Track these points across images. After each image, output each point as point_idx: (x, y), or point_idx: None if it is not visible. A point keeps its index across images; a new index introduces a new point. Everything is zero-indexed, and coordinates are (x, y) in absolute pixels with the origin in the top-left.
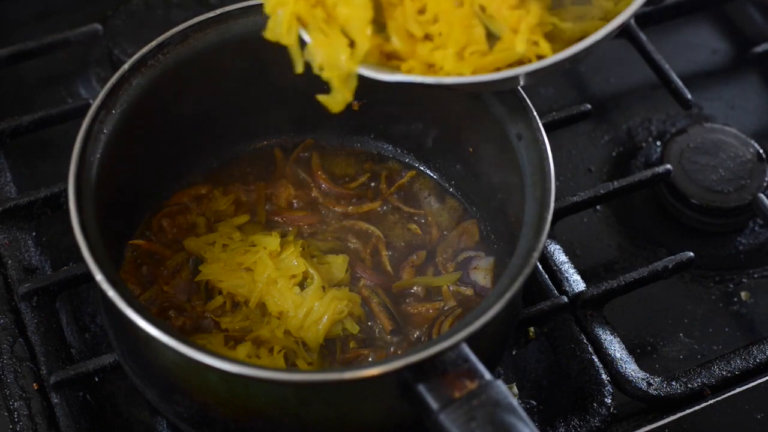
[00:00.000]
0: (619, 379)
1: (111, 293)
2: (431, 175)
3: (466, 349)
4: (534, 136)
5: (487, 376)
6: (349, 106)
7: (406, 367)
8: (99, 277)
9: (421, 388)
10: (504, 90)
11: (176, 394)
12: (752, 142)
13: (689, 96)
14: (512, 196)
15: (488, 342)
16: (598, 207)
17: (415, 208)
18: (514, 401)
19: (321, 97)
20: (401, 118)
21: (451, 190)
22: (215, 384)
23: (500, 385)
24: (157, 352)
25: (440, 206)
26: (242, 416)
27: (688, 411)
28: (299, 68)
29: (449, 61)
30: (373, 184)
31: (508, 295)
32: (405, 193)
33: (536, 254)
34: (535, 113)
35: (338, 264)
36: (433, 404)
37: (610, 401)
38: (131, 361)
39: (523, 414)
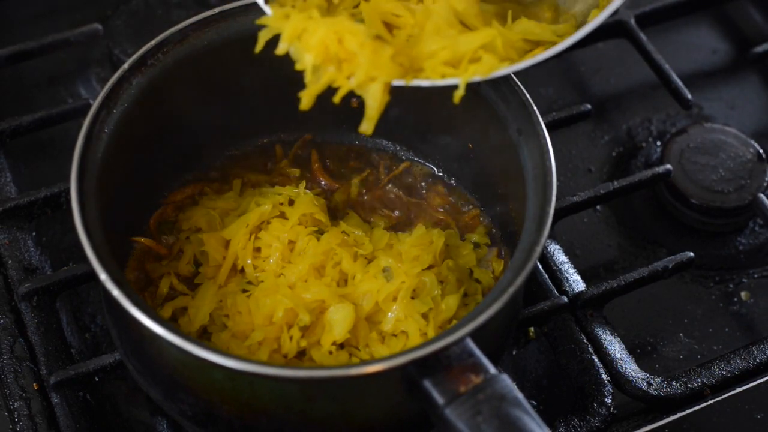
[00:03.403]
0: (619, 379)
1: (116, 292)
2: (432, 169)
3: (471, 343)
4: (534, 130)
5: (492, 370)
6: (348, 104)
7: (411, 362)
8: (103, 276)
9: (427, 383)
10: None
11: (181, 392)
12: (752, 142)
13: (689, 96)
14: (513, 191)
15: (492, 337)
16: (598, 207)
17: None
18: (520, 395)
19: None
20: (400, 115)
21: (452, 183)
22: (220, 381)
23: (505, 379)
24: (161, 350)
25: (441, 199)
26: (247, 414)
27: (688, 411)
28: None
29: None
30: (372, 178)
31: (511, 290)
32: (405, 186)
33: (539, 248)
34: (534, 108)
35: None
36: (439, 399)
37: (610, 401)
38: (135, 360)
39: (529, 407)
